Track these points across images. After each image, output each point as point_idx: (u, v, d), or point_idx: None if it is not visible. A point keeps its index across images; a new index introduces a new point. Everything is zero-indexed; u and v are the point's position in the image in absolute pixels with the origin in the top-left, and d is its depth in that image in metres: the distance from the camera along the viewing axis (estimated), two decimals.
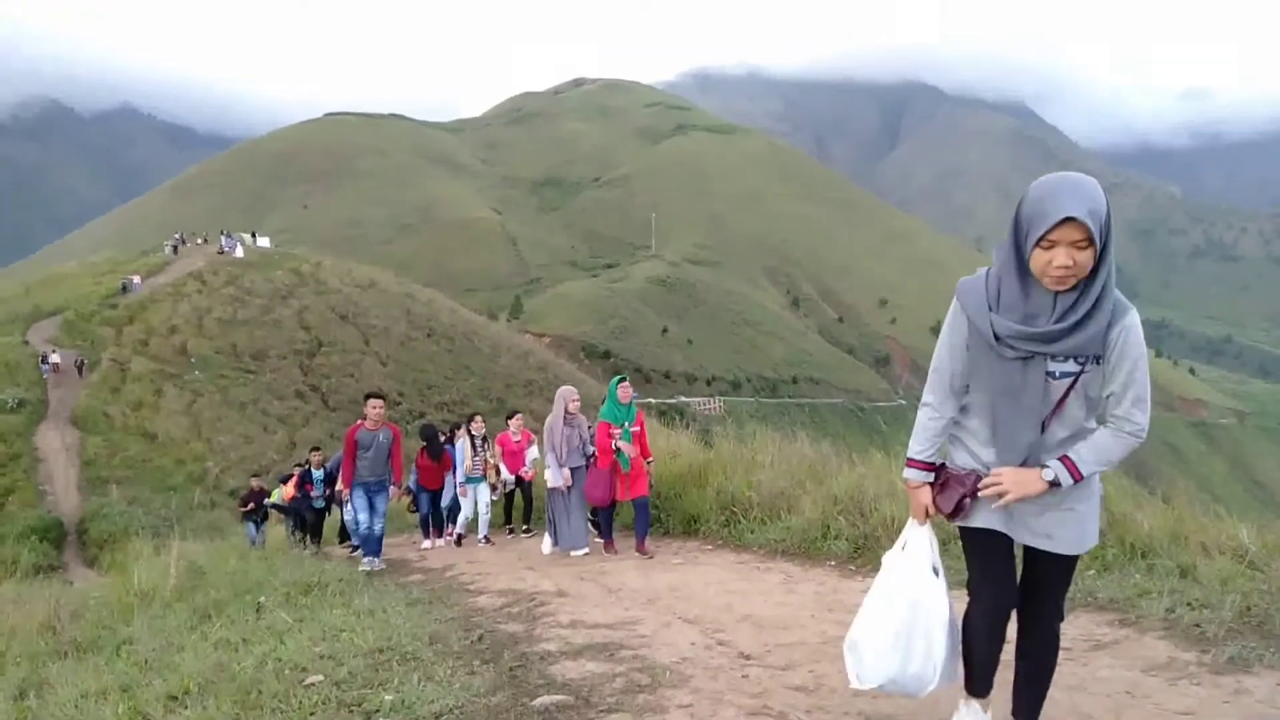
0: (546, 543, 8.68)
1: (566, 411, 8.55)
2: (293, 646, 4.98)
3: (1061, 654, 4.21)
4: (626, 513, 8.76)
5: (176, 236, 63.20)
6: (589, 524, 9.71)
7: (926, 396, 2.88)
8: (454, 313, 60.44)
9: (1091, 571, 5.38)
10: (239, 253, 54.76)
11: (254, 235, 67.61)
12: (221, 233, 64.23)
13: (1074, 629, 4.47)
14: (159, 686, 4.57)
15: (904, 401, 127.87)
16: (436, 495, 11.24)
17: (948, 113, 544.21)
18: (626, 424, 8.06)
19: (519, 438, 10.67)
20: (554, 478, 8.44)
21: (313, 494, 12.83)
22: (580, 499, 8.46)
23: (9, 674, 5.35)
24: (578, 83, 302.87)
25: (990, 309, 2.63)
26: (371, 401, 9.06)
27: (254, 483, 16.72)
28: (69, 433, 30.81)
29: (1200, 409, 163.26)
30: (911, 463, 2.91)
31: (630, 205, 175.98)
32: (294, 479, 14.24)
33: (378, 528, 9.03)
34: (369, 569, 8.55)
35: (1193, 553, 5.31)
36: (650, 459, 8.33)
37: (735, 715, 3.41)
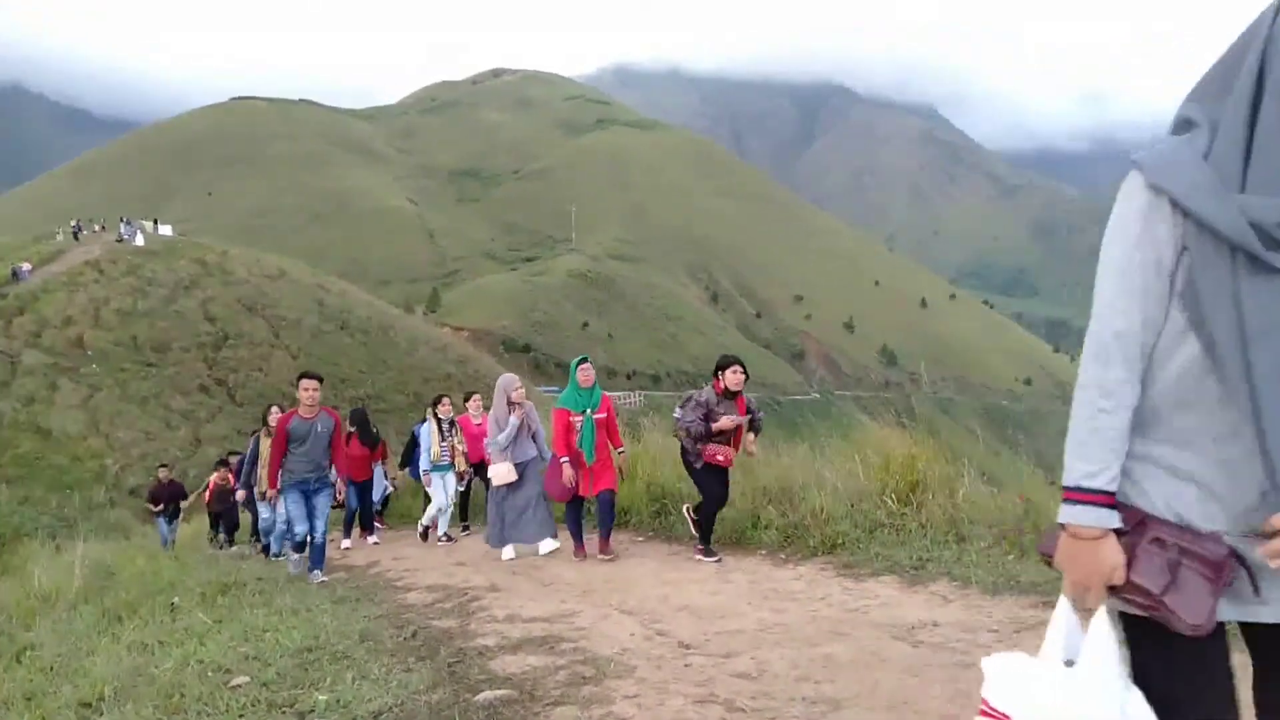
0: (508, 550, 7.71)
1: (510, 401, 7.89)
2: (214, 648, 4.78)
3: (991, 635, 4.40)
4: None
5: (74, 223, 59.96)
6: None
7: (1094, 372, 1.50)
8: (369, 305, 58.98)
9: (1010, 557, 5.58)
10: (139, 241, 52.29)
11: (155, 223, 64.72)
12: (121, 220, 61.26)
13: (1000, 611, 4.60)
14: (69, 693, 4.33)
15: (817, 395, 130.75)
16: (365, 488, 10.49)
17: (861, 113, 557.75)
18: (589, 410, 7.25)
19: (479, 420, 9.86)
20: (501, 473, 7.68)
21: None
22: (537, 494, 7.69)
23: None
24: (497, 73, 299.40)
25: (1232, 189, 1.40)
26: (305, 382, 7.64)
27: (161, 474, 15.88)
28: None
29: None
30: (1080, 495, 1.48)
31: (550, 198, 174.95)
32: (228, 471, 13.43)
33: (319, 533, 7.65)
34: (317, 581, 7.40)
35: None
36: (621, 449, 7.54)
37: (682, 705, 3.41)
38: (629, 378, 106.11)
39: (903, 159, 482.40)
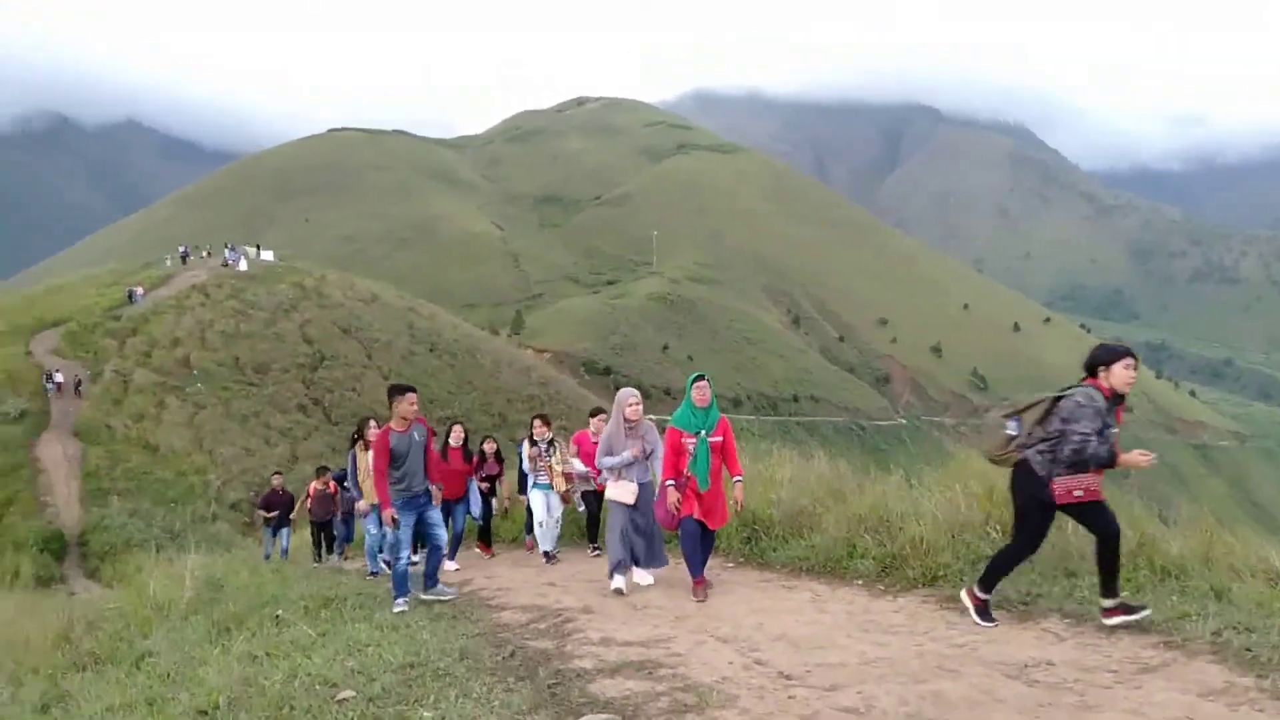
0: (618, 579, 6.98)
1: (626, 419, 7.19)
2: (319, 661, 4.90)
3: (1110, 676, 4.18)
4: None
5: (182, 249, 63.31)
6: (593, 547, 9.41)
7: None
8: (456, 328, 60.43)
9: (1125, 593, 5.33)
10: (243, 266, 54.79)
11: (258, 248, 67.67)
12: (226, 246, 64.29)
13: (1118, 650, 4.40)
14: (186, 701, 4.49)
15: (904, 420, 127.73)
16: (461, 505, 10.11)
17: (947, 134, 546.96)
18: (703, 432, 6.58)
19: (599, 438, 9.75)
20: (619, 493, 7.05)
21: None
22: (651, 516, 7.08)
23: (28, 686, 5.25)
24: (580, 101, 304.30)
25: None
26: (410, 395, 7.15)
27: (275, 481, 15.00)
28: (71, 444, 30.72)
29: (1200, 431, 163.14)
30: None
31: (631, 223, 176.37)
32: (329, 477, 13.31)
33: (441, 541, 7.46)
34: (444, 597, 7.23)
35: (1224, 575, 5.27)
36: (739, 477, 6.82)
37: None
38: None
39: (991, 180, 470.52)
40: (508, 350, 66.86)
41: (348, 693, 4.23)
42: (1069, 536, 6.08)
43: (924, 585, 6.04)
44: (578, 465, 9.41)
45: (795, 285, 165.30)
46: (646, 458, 7.18)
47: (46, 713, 4.67)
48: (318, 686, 4.39)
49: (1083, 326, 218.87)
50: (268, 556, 13.70)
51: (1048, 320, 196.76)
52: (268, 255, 66.31)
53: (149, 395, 35.48)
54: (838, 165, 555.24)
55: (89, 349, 38.46)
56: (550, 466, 9.33)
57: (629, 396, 7.34)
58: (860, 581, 6.51)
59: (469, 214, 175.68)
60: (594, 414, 10.01)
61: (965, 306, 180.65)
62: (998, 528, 6.23)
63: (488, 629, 5.81)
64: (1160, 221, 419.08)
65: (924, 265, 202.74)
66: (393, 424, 7.12)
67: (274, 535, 14.35)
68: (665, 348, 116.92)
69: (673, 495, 6.54)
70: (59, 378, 33.38)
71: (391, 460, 6.99)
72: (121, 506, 26.70)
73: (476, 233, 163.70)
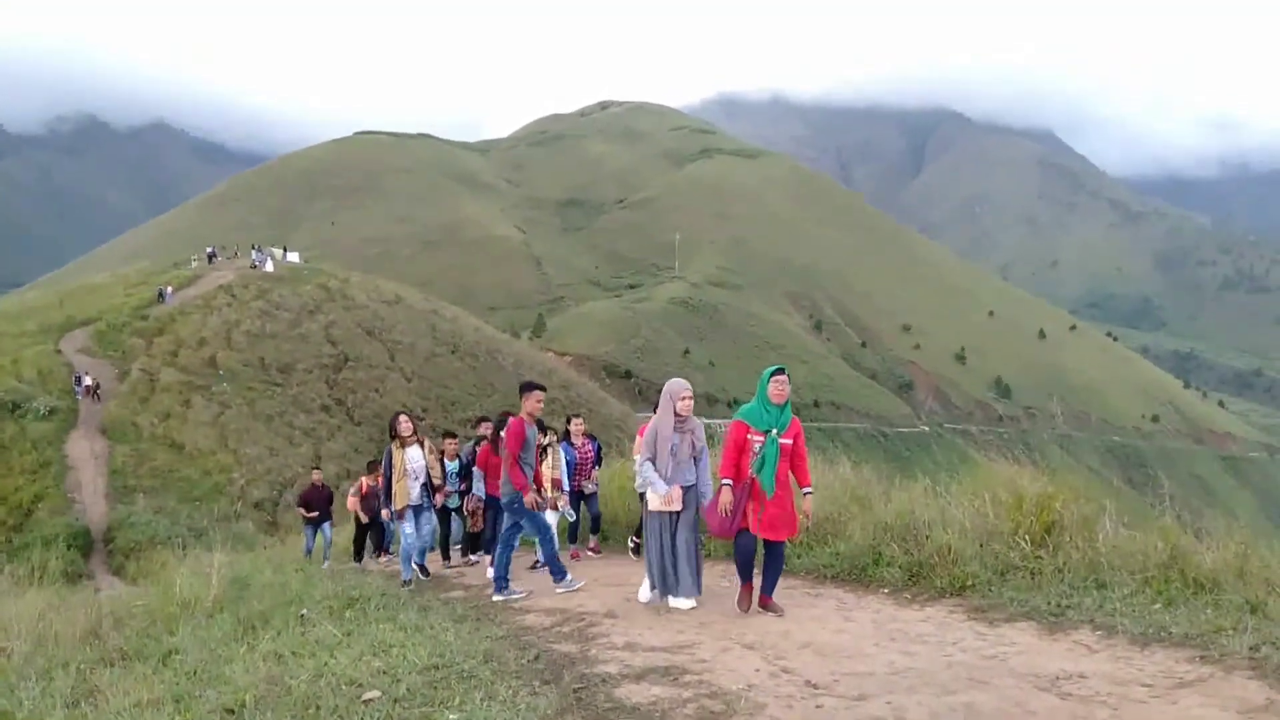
0: (644, 589, 6.58)
1: (676, 414, 6.45)
2: (345, 661, 4.91)
3: (1145, 690, 4.10)
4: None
5: (210, 250, 64.05)
6: (632, 546, 9.17)
7: None
8: (478, 330, 60.65)
9: (1157, 606, 5.24)
10: (269, 267, 55.27)
11: (284, 250, 68.30)
12: (252, 247, 64.95)
13: (1152, 664, 4.33)
14: (212, 699, 4.51)
15: (926, 428, 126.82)
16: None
17: (973, 139, 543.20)
18: (774, 431, 5.81)
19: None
20: (657, 496, 6.38)
21: (445, 490, 10.05)
22: (691, 530, 6.38)
23: (58, 680, 5.30)
24: (604, 105, 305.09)
25: None
26: (535, 394, 7.49)
27: (315, 476, 14.44)
28: (98, 441, 31.07)
29: (1229, 442, 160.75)
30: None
31: (654, 227, 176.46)
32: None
33: (553, 543, 7.77)
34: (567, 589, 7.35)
35: (1259, 589, 5.17)
36: (809, 489, 6.06)
37: None
38: (730, 405, 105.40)
39: (1018, 186, 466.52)
40: (529, 353, 67.04)
41: (373, 693, 4.24)
42: (1099, 547, 5.99)
43: (952, 594, 5.97)
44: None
45: (818, 290, 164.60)
46: (694, 459, 6.46)
47: (76, 707, 4.70)
48: (343, 686, 4.40)
49: (1110, 335, 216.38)
50: (309, 553, 13.34)
51: (1073, 328, 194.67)
52: (293, 257, 66.92)
53: (175, 394, 35.84)
54: (862, 170, 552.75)
55: (117, 348, 38.91)
56: (540, 473, 8.70)
57: (681, 389, 6.51)
58: (886, 590, 6.44)
59: (493, 217, 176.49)
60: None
61: (990, 313, 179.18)
62: (1027, 538, 6.15)
63: (511, 632, 5.81)
64: (1190, 229, 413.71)
65: (948, 271, 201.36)
66: (524, 415, 7.45)
67: (315, 532, 13.85)
68: (686, 352, 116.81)
69: (726, 496, 5.78)
70: (88, 380, 33.72)
71: (524, 450, 7.28)
72: (147, 504, 26.96)
73: (500, 236, 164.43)
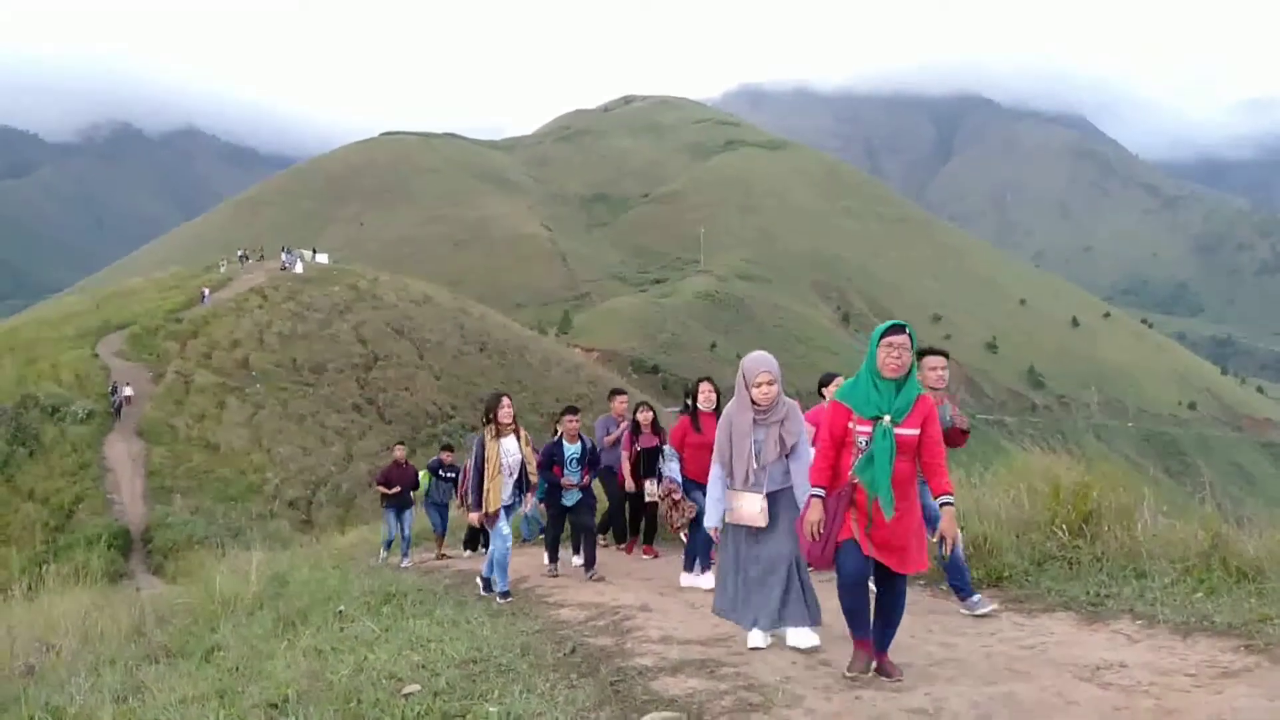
0: (755, 635, 4.84)
1: (754, 401, 4.84)
2: (384, 655, 4.98)
3: (1188, 680, 4.05)
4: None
5: (241, 252, 64.90)
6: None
7: None
8: (505, 327, 60.96)
9: (1198, 594, 5.17)
10: (299, 268, 55.92)
11: (314, 251, 69.05)
12: (282, 249, 65.73)
13: (1194, 653, 4.27)
14: (255, 694, 4.59)
15: None
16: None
17: (1003, 126, 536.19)
18: (888, 418, 4.05)
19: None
20: (745, 511, 4.82)
21: (565, 482, 8.27)
22: (790, 551, 4.79)
23: (106, 676, 5.43)
24: (628, 100, 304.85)
25: None
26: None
27: (398, 452, 12.46)
28: (135, 443, 31.63)
29: (1269, 428, 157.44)
30: None
31: (679, 221, 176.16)
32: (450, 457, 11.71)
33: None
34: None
35: None
36: (947, 497, 4.13)
37: None
38: None
39: (1049, 172, 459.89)
40: (556, 349, 67.26)
41: (413, 687, 4.29)
42: (1137, 536, 5.92)
43: (989, 585, 5.93)
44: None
45: (846, 282, 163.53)
46: (788, 456, 4.85)
47: (124, 703, 4.81)
48: (383, 680, 4.46)
49: (1145, 321, 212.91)
50: (389, 544, 11.89)
51: (1108, 315, 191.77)
52: (323, 258, 67.64)
53: (209, 396, 36.39)
54: (890, 159, 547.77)
55: (152, 351, 39.56)
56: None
57: (758, 371, 4.83)
58: (922, 581, 6.41)
59: (519, 215, 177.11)
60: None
61: (1022, 302, 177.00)
62: (1064, 528, 6.09)
63: (547, 625, 5.85)
64: (1226, 212, 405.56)
65: (979, 260, 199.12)
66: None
67: (398, 518, 11.87)
68: (713, 346, 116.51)
69: (815, 512, 4.14)
70: (126, 392, 33.93)
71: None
72: (184, 504, 27.41)
73: (526, 233, 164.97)
